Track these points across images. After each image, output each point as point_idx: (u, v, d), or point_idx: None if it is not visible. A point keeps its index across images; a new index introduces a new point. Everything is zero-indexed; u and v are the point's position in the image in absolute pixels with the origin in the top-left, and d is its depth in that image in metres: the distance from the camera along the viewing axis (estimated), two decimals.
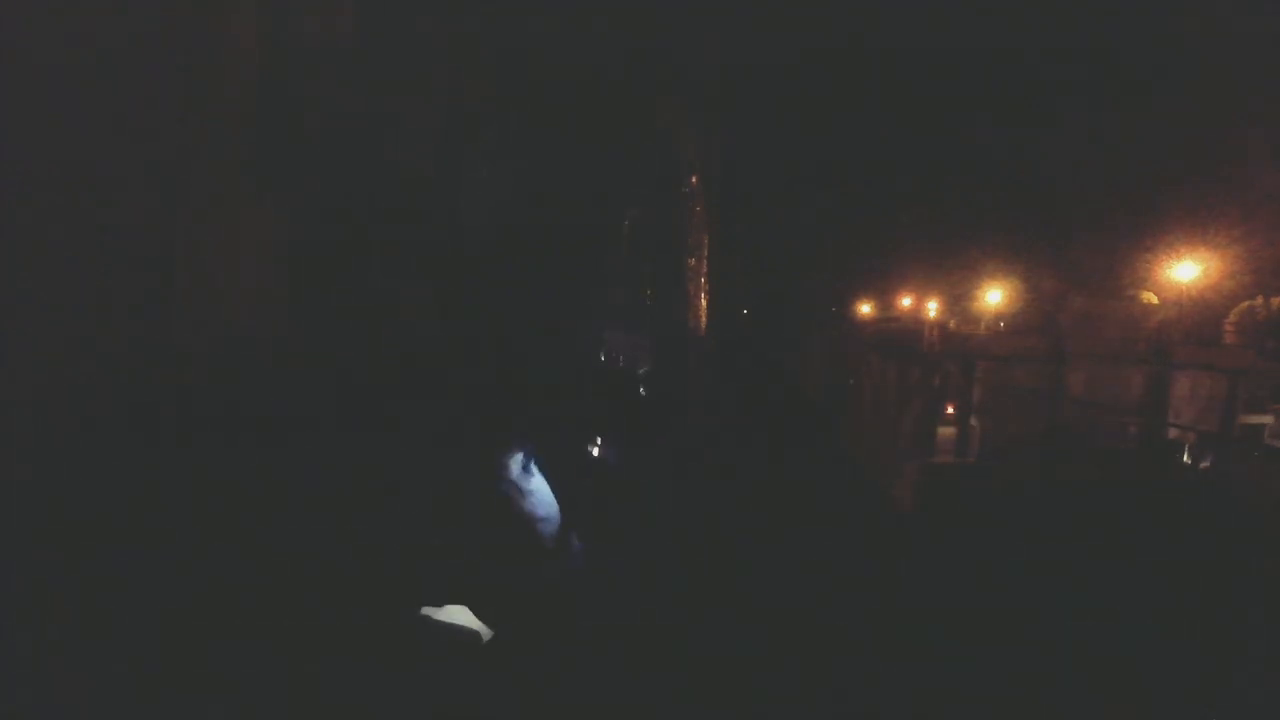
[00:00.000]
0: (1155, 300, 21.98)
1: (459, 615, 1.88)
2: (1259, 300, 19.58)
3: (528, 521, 2.04)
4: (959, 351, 12.75)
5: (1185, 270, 22.48)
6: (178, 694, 1.59)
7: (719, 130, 4.03)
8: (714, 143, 3.96)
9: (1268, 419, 14.90)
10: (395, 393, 1.90)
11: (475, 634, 1.89)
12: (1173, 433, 13.64)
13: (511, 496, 1.99)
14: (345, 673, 1.63)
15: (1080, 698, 3.14)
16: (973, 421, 11.81)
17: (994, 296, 28.93)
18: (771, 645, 2.82)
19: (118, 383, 1.72)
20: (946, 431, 11.45)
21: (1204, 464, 13.07)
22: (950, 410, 11.57)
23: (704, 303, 3.83)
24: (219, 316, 1.86)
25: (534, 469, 2.14)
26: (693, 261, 3.79)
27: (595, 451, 3.14)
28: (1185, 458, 13.20)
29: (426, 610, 1.84)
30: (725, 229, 4.13)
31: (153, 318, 1.77)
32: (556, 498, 2.15)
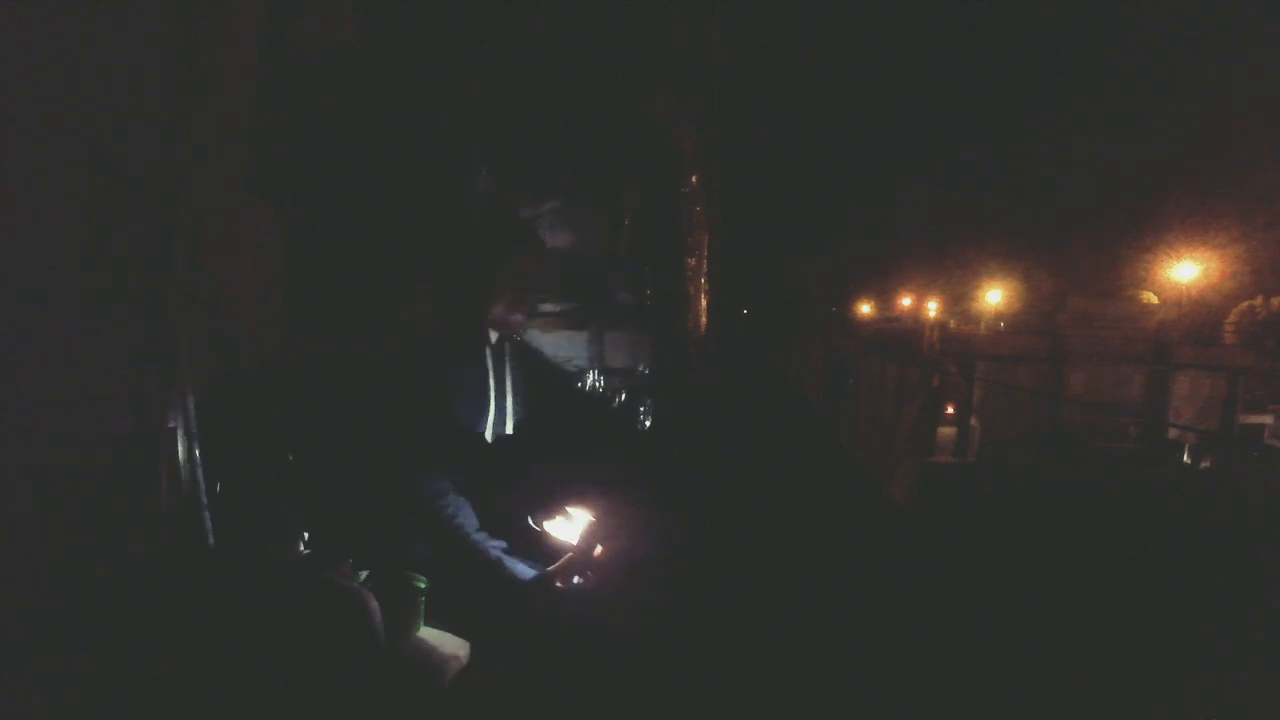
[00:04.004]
0: (1155, 300, 21.98)
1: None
2: (1259, 300, 19.59)
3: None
4: (959, 351, 12.76)
5: (1185, 270, 22.51)
6: (174, 695, 1.59)
7: (719, 129, 4.03)
8: (714, 142, 3.95)
9: (1268, 419, 14.90)
10: (396, 401, 1.88)
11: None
12: (1173, 433, 13.63)
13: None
14: (343, 675, 1.63)
15: (1080, 698, 3.14)
16: (973, 421, 11.81)
17: (994, 296, 28.97)
18: (769, 645, 2.81)
19: (118, 385, 1.71)
20: (946, 431, 11.45)
21: (1204, 464, 13.06)
22: (950, 410, 11.57)
23: (704, 303, 3.82)
24: (219, 318, 1.86)
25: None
26: (692, 261, 3.78)
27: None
28: (1185, 458, 13.19)
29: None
30: (725, 229, 4.12)
31: (153, 319, 1.77)
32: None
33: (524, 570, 1.87)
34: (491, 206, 3.19)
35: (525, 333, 2.27)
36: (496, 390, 1.99)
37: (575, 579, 1.88)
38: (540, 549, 1.96)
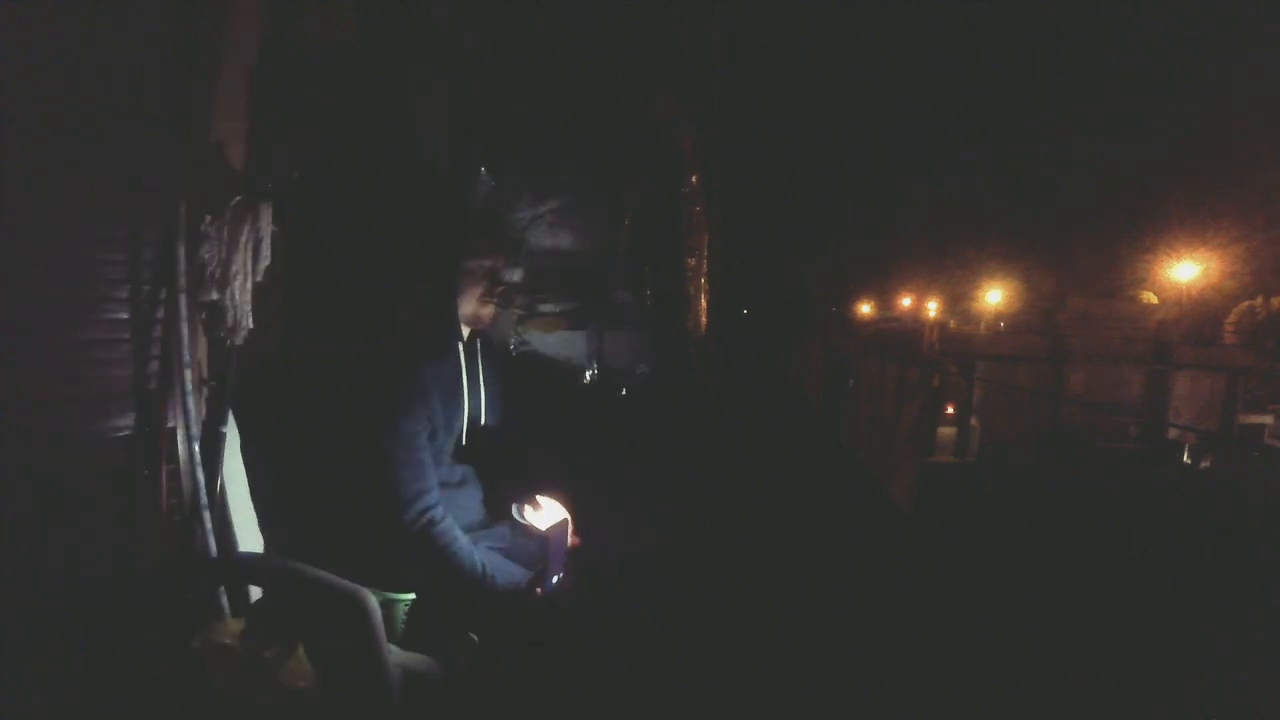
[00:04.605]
0: (1155, 300, 21.97)
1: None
2: (1259, 300, 19.59)
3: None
4: (959, 351, 12.75)
5: (1185, 270, 22.50)
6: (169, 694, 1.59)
7: (719, 129, 4.03)
8: (714, 142, 3.95)
9: (1268, 419, 14.90)
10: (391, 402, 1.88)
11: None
12: (1173, 433, 13.62)
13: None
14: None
15: (1080, 697, 3.14)
16: (973, 421, 11.80)
17: (994, 296, 28.95)
18: (769, 645, 2.82)
19: (118, 385, 1.71)
20: (946, 431, 11.44)
21: (1204, 464, 13.06)
22: (950, 410, 11.56)
23: (704, 303, 3.82)
24: (219, 318, 1.86)
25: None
26: (692, 261, 3.78)
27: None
28: (1185, 458, 13.19)
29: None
30: (725, 229, 4.12)
31: (153, 320, 1.77)
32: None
33: (507, 576, 1.89)
34: (453, 203, 3.20)
35: (507, 328, 2.29)
36: (470, 387, 1.99)
37: (554, 579, 1.91)
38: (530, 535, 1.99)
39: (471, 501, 2.00)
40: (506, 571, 1.91)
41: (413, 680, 1.64)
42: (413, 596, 1.78)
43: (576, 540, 1.98)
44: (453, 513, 1.88)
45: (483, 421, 2.02)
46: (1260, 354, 15.46)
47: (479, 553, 1.87)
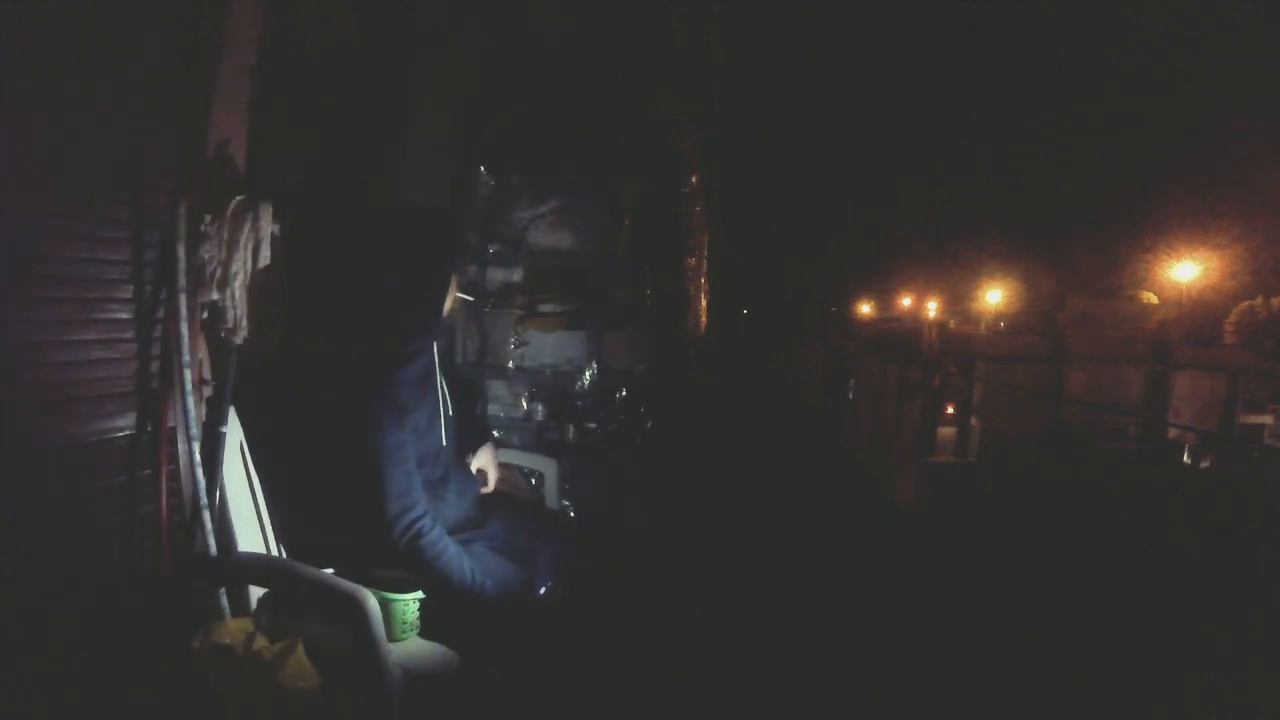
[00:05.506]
0: (1155, 300, 21.95)
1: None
2: (1259, 300, 19.55)
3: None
4: (959, 351, 12.73)
5: (1185, 270, 22.48)
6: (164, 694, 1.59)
7: (719, 129, 4.03)
8: (714, 142, 3.95)
9: (1268, 419, 14.88)
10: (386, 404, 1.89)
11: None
12: (1173, 433, 13.60)
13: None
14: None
15: (1080, 698, 3.14)
16: (973, 421, 11.79)
17: (994, 296, 28.93)
18: (769, 644, 2.81)
19: (118, 385, 1.71)
20: (946, 431, 11.43)
21: (1204, 464, 13.05)
22: (950, 410, 11.55)
23: (704, 303, 3.82)
24: (220, 318, 1.86)
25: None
26: (692, 261, 3.78)
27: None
28: (1185, 458, 13.18)
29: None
30: (725, 229, 4.12)
31: (154, 318, 1.77)
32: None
33: (500, 577, 1.90)
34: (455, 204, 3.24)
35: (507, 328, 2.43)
36: (440, 382, 2.03)
37: (542, 589, 1.93)
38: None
39: (457, 498, 2.01)
40: (499, 573, 1.91)
41: (413, 680, 1.63)
42: (411, 597, 1.78)
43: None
44: (439, 511, 1.89)
45: (452, 413, 2.05)
46: (1260, 354, 15.43)
47: (469, 559, 1.87)
